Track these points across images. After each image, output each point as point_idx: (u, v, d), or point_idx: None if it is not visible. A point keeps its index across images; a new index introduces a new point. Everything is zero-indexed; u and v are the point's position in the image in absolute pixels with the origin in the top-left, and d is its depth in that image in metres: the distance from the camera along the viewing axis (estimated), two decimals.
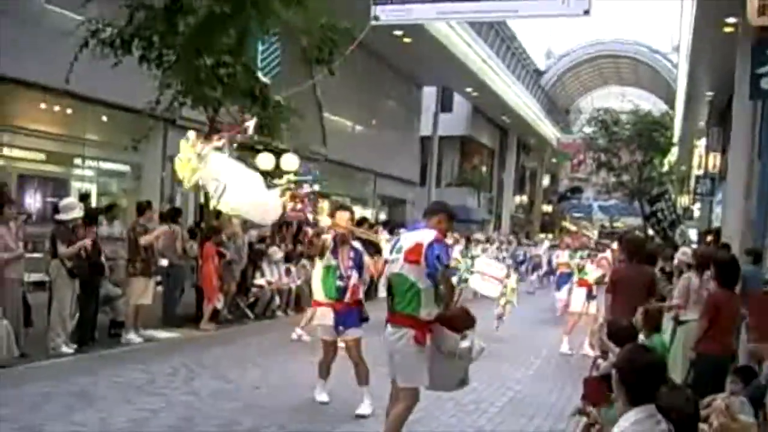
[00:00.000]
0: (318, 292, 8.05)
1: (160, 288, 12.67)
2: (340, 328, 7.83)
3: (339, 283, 7.84)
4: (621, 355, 3.79)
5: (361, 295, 8.09)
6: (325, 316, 7.91)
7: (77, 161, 16.78)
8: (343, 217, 7.68)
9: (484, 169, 45.56)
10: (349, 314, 7.86)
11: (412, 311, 5.84)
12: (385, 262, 6.40)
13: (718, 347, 6.90)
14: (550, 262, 26.15)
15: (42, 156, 15.80)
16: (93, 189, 16.84)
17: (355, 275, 7.92)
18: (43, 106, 14.96)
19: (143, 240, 11.40)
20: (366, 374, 7.82)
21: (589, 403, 5.41)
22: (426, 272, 5.76)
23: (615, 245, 14.11)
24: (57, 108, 15.20)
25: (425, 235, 5.92)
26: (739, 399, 5.24)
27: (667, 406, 3.86)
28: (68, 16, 12.79)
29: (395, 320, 5.97)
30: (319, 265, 8.01)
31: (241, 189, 5.69)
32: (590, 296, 13.41)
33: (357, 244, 8.14)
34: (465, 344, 5.99)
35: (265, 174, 6.62)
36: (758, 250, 11.74)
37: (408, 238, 6.06)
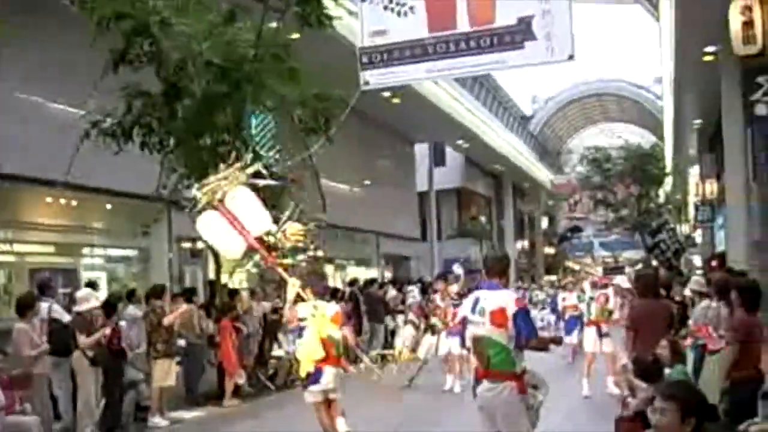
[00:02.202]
0: None
1: (179, 368, 12.72)
2: None
3: None
4: (683, 393, 3.87)
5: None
6: None
7: (85, 250, 16.93)
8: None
9: (483, 218, 45.72)
10: None
11: (510, 367, 6.00)
12: None
13: (750, 372, 6.94)
14: (554, 306, 24.61)
15: (51, 248, 15.95)
16: (102, 276, 16.92)
17: None
18: (48, 199, 15.13)
19: (166, 320, 11.51)
20: None
21: None
22: (514, 339, 5.96)
23: (617, 280, 14.07)
24: (62, 200, 15.36)
25: (506, 301, 6.10)
26: None
27: None
28: (69, 110, 12.98)
29: (493, 376, 6.08)
30: None
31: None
32: (601, 334, 13.08)
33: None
34: (540, 397, 6.15)
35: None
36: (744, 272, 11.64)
37: (489, 301, 6.16)
